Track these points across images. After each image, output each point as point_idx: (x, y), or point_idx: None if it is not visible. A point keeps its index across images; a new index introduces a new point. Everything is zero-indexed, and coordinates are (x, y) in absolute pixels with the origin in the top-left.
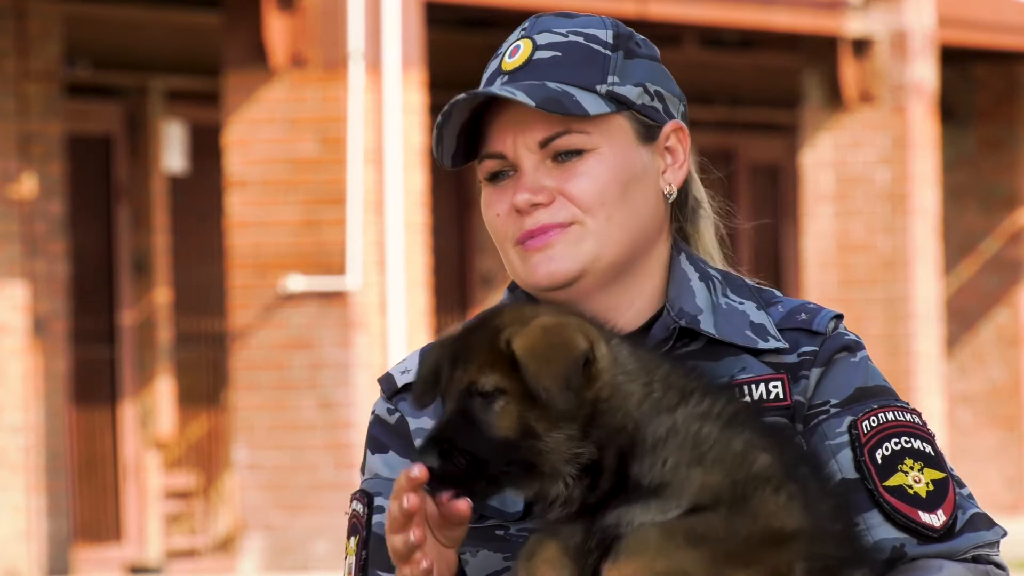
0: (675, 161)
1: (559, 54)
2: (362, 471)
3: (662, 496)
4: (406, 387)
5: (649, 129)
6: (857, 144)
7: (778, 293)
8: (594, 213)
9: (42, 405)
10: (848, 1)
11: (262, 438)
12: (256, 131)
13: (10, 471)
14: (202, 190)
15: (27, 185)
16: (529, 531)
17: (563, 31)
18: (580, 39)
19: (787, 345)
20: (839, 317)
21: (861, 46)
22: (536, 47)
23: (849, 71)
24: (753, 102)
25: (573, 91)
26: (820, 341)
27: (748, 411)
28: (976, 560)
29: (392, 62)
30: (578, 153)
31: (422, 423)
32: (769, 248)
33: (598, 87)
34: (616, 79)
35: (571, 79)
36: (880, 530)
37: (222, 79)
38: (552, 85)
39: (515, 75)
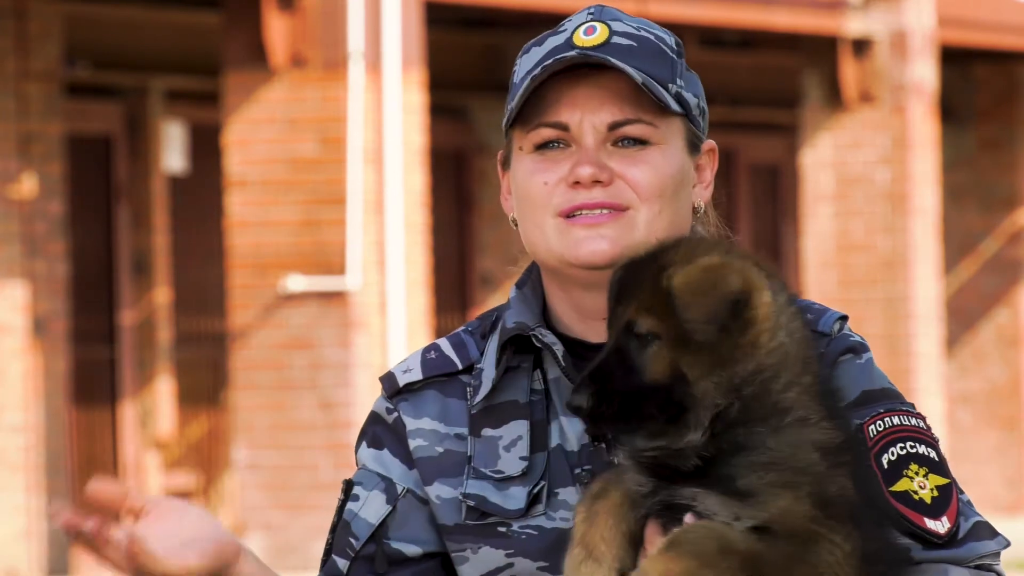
0: (702, 180)
1: (635, 44)
2: (357, 463)
3: (745, 502)
4: (407, 387)
5: (696, 140)
6: (857, 144)
7: None
8: (650, 204)
9: (42, 405)
10: (848, 1)
11: (262, 438)
12: (256, 131)
13: (10, 471)
14: (202, 190)
15: (27, 185)
16: (533, 527)
17: (634, 25)
18: (651, 36)
19: None
20: (844, 318)
21: (861, 46)
22: (612, 32)
23: (849, 71)
24: (753, 102)
25: (653, 83)
26: (825, 342)
27: (850, 444)
28: (979, 568)
29: (392, 62)
30: (641, 143)
31: (421, 424)
32: (769, 248)
33: (669, 86)
34: (682, 83)
35: (649, 69)
36: None
37: (222, 79)
38: (638, 71)
39: (595, 50)
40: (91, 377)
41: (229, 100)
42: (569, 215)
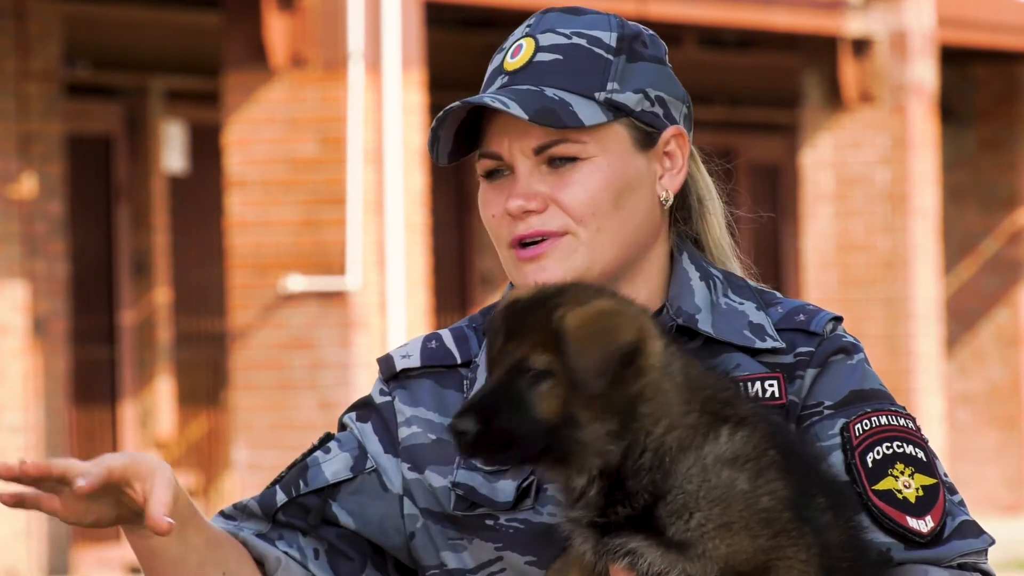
0: (673, 167)
1: (560, 57)
2: (339, 427)
3: (684, 555)
4: (404, 372)
5: (648, 135)
6: (857, 144)
7: (779, 294)
8: (585, 223)
9: (42, 405)
10: (848, 1)
11: (262, 438)
12: (256, 131)
13: None
14: (202, 190)
15: (27, 185)
16: (520, 521)
17: (567, 31)
18: (583, 42)
19: (784, 345)
20: (838, 319)
21: (861, 46)
22: (538, 48)
23: (849, 71)
24: (753, 102)
25: (571, 99)
26: (817, 342)
27: (772, 438)
28: (963, 567)
29: (392, 62)
30: (572, 160)
31: (417, 412)
32: (769, 248)
33: (596, 94)
34: (615, 86)
35: (570, 85)
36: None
37: (222, 79)
38: (549, 93)
39: (515, 77)
40: (91, 377)
41: (229, 100)
42: (515, 246)
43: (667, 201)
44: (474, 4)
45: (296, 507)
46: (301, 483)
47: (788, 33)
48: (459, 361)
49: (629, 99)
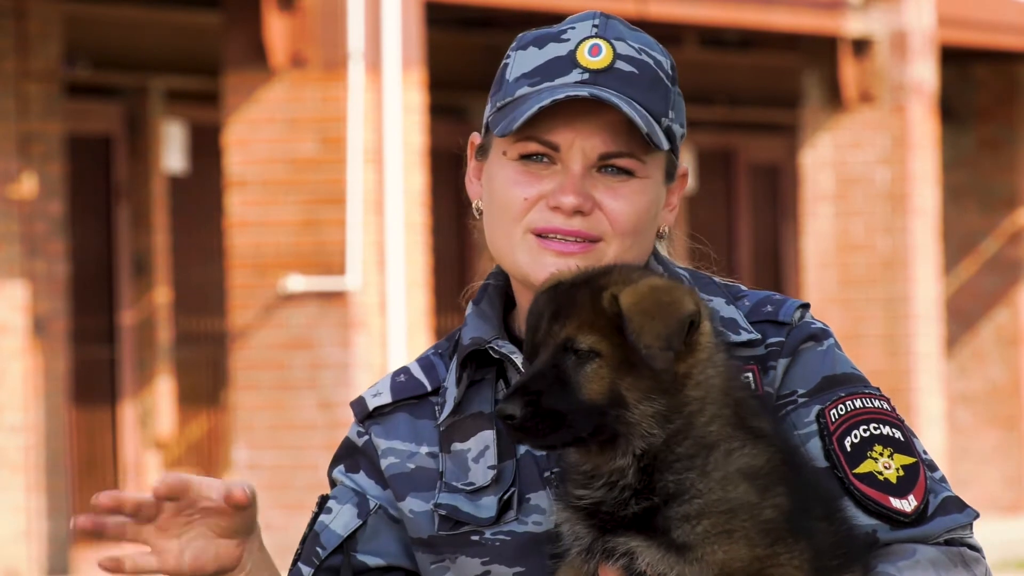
0: (668, 204)
1: (636, 72)
2: (330, 483)
3: (683, 557)
4: (377, 410)
5: (672, 170)
6: (857, 144)
7: (744, 287)
8: (622, 238)
9: (42, 405)
10: (848, 1)
11: (262, 438)
12: (256, 131)
13: (10, 471)
14: (202, 190)
15: (27, 185)
16: (505, 533)
17: (636, 46)
18: (651, 62)
19: (759, 336)
20: (805, 306)
21: (861, 46)
22: (616, 55)
23: (849, 71)
24: (753, 102)
25: (652, 124)
26: (786, 331)
27: (784, 454)
28: (949, 543)
29: (392, 62)
30: (626, 173)
31: (393, 443)
32: (769, 248)
33: (662, 120)
34: (673, 115)
35: (647, 103)
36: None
37: (222, 79)
38: (638, 107)
39: (597, 77)
40: (91, 377)
41: (229, 100)
42: (541, 235)
43: (663, 236)
44: (474, 4)
45: (325, 573)
46: (319, 549)
47: (788, 33)
48: (429, 389)
49: (677, 132)
